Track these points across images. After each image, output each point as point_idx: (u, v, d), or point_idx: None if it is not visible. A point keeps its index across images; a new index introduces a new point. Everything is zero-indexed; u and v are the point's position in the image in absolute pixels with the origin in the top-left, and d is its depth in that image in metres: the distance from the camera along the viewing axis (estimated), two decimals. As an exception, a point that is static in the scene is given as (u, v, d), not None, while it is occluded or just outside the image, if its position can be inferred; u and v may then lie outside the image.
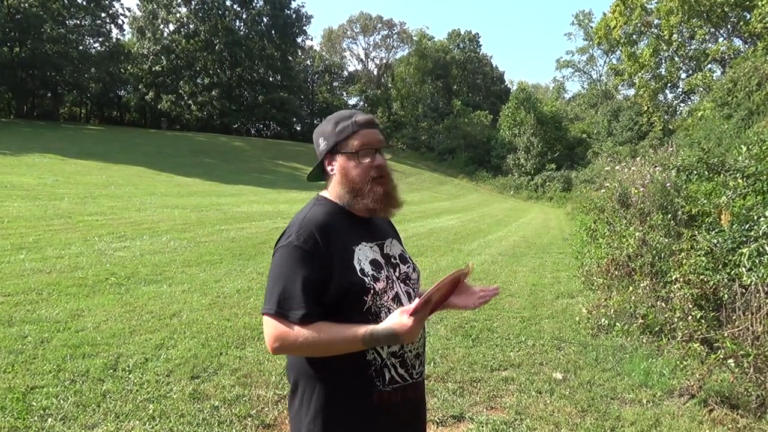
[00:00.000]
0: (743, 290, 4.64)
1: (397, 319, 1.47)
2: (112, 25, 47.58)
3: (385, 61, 64.63)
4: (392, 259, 1.70)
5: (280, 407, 3.71)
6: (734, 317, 4.79)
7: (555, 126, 44.66)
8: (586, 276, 7.70)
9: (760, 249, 3.61)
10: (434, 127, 53.74)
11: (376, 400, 1.57)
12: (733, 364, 4.12)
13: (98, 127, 43.67)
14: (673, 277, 5.38)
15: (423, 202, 27.27)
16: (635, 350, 5.18)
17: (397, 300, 1.62)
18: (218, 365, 4.38)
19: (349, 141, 1.63)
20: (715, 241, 3.92)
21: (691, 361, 4.63)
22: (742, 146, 3.88)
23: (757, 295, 4.58)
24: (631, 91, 48.48)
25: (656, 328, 5.45)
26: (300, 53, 58.49)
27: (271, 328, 1.49)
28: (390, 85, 61.31)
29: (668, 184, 6.68)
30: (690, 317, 5.11)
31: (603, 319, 5.98)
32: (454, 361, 4.88)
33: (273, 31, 52.38)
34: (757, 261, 3.67)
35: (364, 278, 1.56)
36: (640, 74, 46.52)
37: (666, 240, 5.93)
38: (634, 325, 5.66)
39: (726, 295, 4.80)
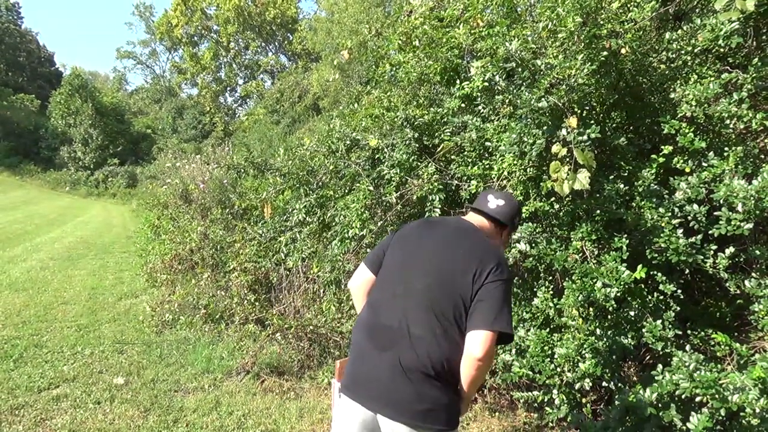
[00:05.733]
0: (288, 272, 5.41)
1: None
2: None
3: None
4: None
5: None
6: (281, 296, 5.55)
7: (117, 119, 42.07)
8: (150, 273, 7.57)
9: (293, 236, 4.28)
10: (-42, 107, 43.14)
11: None
12: (279, 337, 4.76)
13: None
14: (231, 267, 5.83)
15: (-57, 200, 21.62)
16: (198, 340, 5.38)
17: None
18: None
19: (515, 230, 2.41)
20: (261, 231, 4.43)
21: (247, 341, 5.13)
22: (281, 149, 4.50)
23: (298, 275, 5.43)
24: (195, 91, 50.17)
25: (217, 316, 5.80)
26: None
27: (492, 344, 1.85)
28: None
29: (225, 181, 7.19)
30: (246, 301, 5.64)
31: (167, 315, 5.99)
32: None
33: None
34: (291, 247, 4.32)
35: None
36: (202, 75, 48.58)
37: (223, 232, 6.37)
38: (197, 316, 5.88)
39: (275, 278, 5.51)
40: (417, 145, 3.62)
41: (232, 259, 5.90)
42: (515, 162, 3.09)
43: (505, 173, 3.18)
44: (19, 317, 6.09)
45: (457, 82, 3.66)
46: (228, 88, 50.04)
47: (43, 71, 54.57)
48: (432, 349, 1.87)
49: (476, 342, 1.82)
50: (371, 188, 3.56)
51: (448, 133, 3.61)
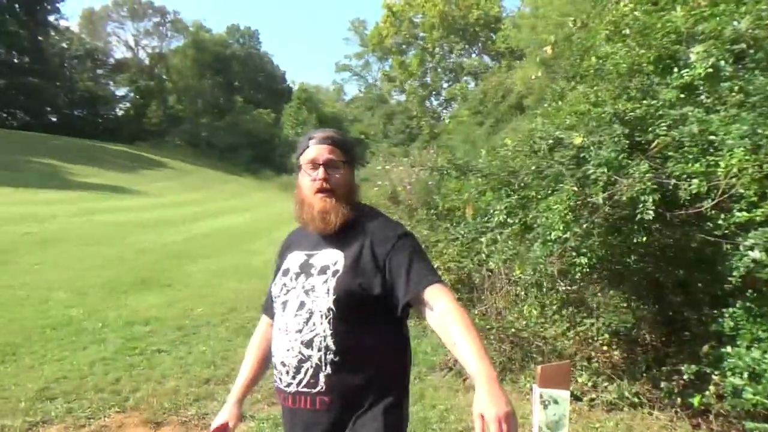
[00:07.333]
0: (490, 273, 5.45)
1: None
2: None
3: (158, 50, 60.09)
4: (311, 269, 1.69)
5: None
6: (483, 297, 5.60)
7: (336, 126, 46.31)
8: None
9: (495, 237, 4.30)
10: (215, 123, 51.70)
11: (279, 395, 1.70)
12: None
13: None
14: (435, 265, 6.06)
15: (206, 201, 26.13)
16: (405, 334, 5.70)
17: (284, 307, 1.68)
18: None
19: (303, 156, 1.75)
20: (463, 231, 4.54)
21: (449, 338, 5.28)
22: (482, 149, 4.56)
23: (500, 277, 5.42)
24: (403, 97, 52.85)
25: (416, 315, 6.07)
26: (53, 33, 51.16)
27: None
28: (165, 77, 57.23)
29: (430, 183, 7.50)
30: (448, 300, 5.80)
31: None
32: (236, 362, 4.82)
33: (16, 5, 44.97)
34: (493, 248, 4.35)
35: (272, 282, 1.80)
36: (409, 82, 50.99)
37: (428, 232, 6.64)
38: (404, 310, 6.23)
39: (477, 279, 5.58)
40: (627, 142, 3.37)
41: (435, 259, 6.11)
42: (747, 157, 2.70)
43: (735, 170, 2.80)
44: (259, 301, 7.13)
45: (675, 70, 3.32)
46: (433, 92, 51.69)
47: (277, 88, 62.56)
48: None
49: None
50: (575, 189, 3.41)
51: (665, 128, 3.29)
